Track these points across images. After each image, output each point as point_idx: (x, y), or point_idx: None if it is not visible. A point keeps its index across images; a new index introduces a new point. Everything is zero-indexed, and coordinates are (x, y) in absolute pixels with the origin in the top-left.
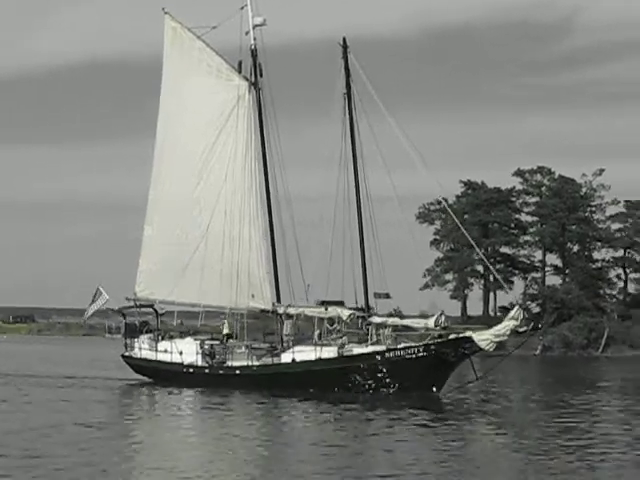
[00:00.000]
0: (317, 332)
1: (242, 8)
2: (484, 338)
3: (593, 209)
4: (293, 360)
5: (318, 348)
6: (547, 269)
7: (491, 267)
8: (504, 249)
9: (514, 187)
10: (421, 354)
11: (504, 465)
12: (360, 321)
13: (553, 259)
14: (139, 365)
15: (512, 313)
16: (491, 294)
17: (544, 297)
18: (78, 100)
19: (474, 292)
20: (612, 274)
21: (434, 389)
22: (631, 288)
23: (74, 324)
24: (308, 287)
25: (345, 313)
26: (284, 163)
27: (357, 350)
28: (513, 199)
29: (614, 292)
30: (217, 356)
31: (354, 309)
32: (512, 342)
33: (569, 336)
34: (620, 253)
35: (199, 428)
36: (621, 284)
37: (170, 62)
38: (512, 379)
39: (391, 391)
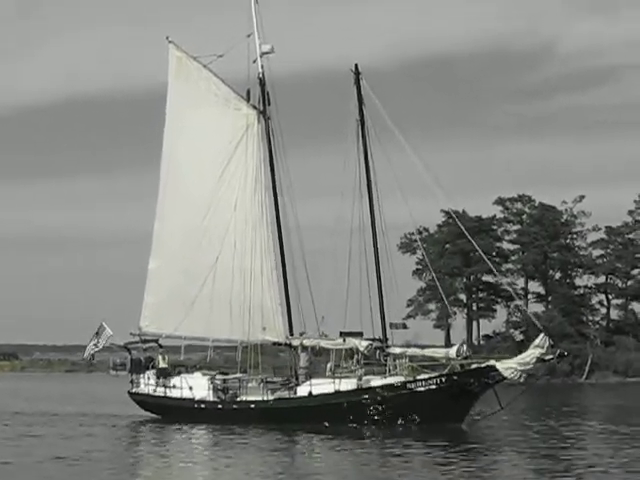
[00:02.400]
0: (329, 364)
1: (249, 36)
2: (508, 367)
3: (574, 236)
4: (310, 393)
5: (336, 380)
6: (530, 297)
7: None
8: (486, 277)
9: (495, 215)
10: (443, 385)
11: None
12: (377, 352)
13: (535, 286)
14: (146, 402)
15: (537, 341)
16: (474, 323)
17: (527, 325)
18: (72, 135)
19: (457, 321)
20: (594, 300)
21: (457, 421)
22: (614, 314)
23: (56, 361)
24: (322, 319)
25: (363, 344)
26: (294, 192)
27: (376, 382)
28: (494, 227)
29: (597, 318)
30: (230, 391)
31: (371, 340)
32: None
33: (552, 363)
34: (602, 279)
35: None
36: (604, 310)
37: (175, 92)
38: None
39: (413, 424)
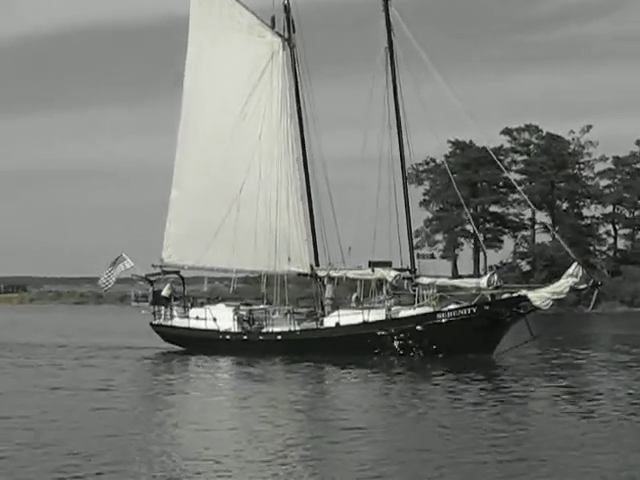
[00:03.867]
0: (355, 295)
1: None
2: (540, 296)
3: (581, 166)
4: (337, 324)
5: (365, 311)
6: (537, 227)
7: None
8: (493, 208)
9: (502, 146)
10: (474, 315)
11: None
12: (406, 282)
13: (542, 217)
14: (170, 333)
15: (571, 270)
16: (481, 253)
17: (534, 255)
18: (95, 65)
19: (464, 252)
20: (602, 230)
21: (488, 351)
22: (621, 244)
23: (65, 293)
24: (349, 250)
25: (391, 274)
26: (320, 122)
27: (406, 312)
28: (501, 158)
29: (604, 248)
30: (256, 322)
31: (399, 270)
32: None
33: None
34: (609, 209)
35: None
36: (611, 240)
37: (197, 20)
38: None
39: (442, 354)
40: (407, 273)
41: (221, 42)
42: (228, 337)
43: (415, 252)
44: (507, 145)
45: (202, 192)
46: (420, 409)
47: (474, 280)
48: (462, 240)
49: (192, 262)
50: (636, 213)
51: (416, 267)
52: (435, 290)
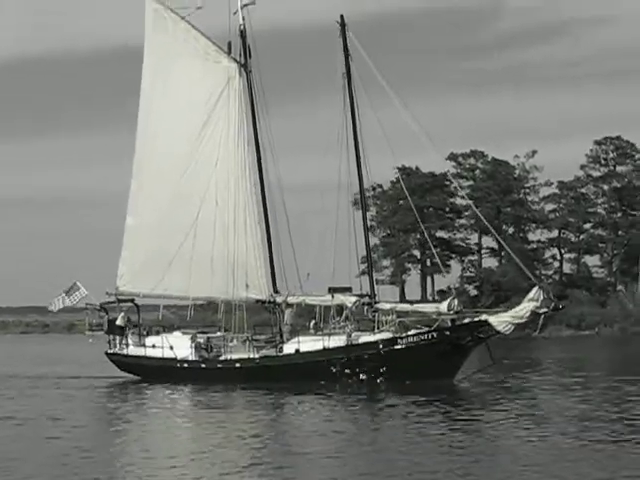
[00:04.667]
0: (313, 321)
1: None
2: (502, 321)
3: (527, 191)
4: (297, 351)
5: (325, 337)
6: (483, 252)
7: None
8: (440, 233)
9: (448, 171)
10: (435, 340)
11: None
12: (366, 308)
13: (489, 241)
14: (126, 362)
15: (531, 294)
16: (428, 278)
17: (481, 280)
18: (47, 94)
19: (411, 277)
20: (547, 254)
21: (449, 376)
22: (566, 268)
23: (11, 322)
24: (308, 276)
25: (351, 300)
26: (277, 148)
27: (367, 338)
28: (447, 183)
29: (550, 272)
30: (214, 349)
31: (359, 295)
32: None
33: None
34: (555, 234)
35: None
36: (556, 264)
37: (152, 46)
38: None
39: (403, 380)
40: (367, 299)
41: (176, 68)
42: (186, 365)
43: (372, 278)
44: (453, 171)
45: (158, 220)
46: (373, 434)
47: (434, 305)
48: (409, 265)
49: (147, 290)
50: (581, 237)
51: (375, 293)
52: (395, 316)
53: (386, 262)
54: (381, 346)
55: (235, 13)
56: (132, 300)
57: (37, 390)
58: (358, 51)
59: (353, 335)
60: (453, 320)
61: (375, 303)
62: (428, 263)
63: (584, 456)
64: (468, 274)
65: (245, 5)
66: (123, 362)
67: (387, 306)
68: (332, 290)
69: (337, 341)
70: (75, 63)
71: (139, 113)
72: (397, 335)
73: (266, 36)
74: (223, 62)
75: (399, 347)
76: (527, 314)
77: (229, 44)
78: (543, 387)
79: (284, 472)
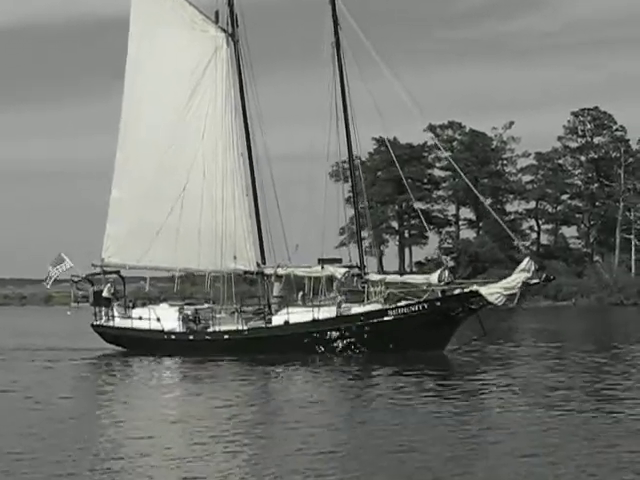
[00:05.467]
0: (301, 293)
1: None
2: (493, 292)
3: (504, 162)
4: (286, 322)
5: (314, 309)
6: (461, 223)
7: None
8: (418, 204)
9: (426, 142)
10: (426, 311)
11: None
12: (355, 279)
13: (467, 213)
14: (112, 334)
15: (523, 265)
16: (406, 250)
17: (459, 251)
18: (34, 63)
19: (390, 248)
20: (525, 226)
21: (439, 348)
22: (544, 239)
23: None
24: (297, 247)
25: (340, 271)
26: (265, 119)
27: (357, 309)
28: (425, 154)
29: (527, 243)
30: (202, 321)
31: (348, 266)
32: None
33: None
34: (532, 205)
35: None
36: (534, 235)
37: (138, 14)
38: None
39: (394, 351)
40: (356, 270)
41: (163, 37)
42: (173, 337)
43: (361, 249)
44: (431, 142)
45: (143, 191)
46: (359, 406)
47: (424, 276)
48: (387, 237)
49: (133, 262)
50: (558, 208)
51: (365, 264)
52: (384, 287)
53: (364, 233)
54: (371, 317)
55: None
56: (117, 272)
57: (24, 362)
58: (347, 20)
59: (343, 306)
60: (443, 291)
61: (365, 274)
62: (406, 234)
63: (555, 426)
64: (446, 245)
65: None
66: (109, 334)
67: (377, 277)
68: (322, 261)
69: (327, 312)
70: (67, 32)
71: (125, 82)
72: (387, 306)
73: (254, 5)
74: (210, 31)
75: (389, 318)
76: (518, 285)
77: (216, 13)
78: (523, 357)
79: (262, 442)
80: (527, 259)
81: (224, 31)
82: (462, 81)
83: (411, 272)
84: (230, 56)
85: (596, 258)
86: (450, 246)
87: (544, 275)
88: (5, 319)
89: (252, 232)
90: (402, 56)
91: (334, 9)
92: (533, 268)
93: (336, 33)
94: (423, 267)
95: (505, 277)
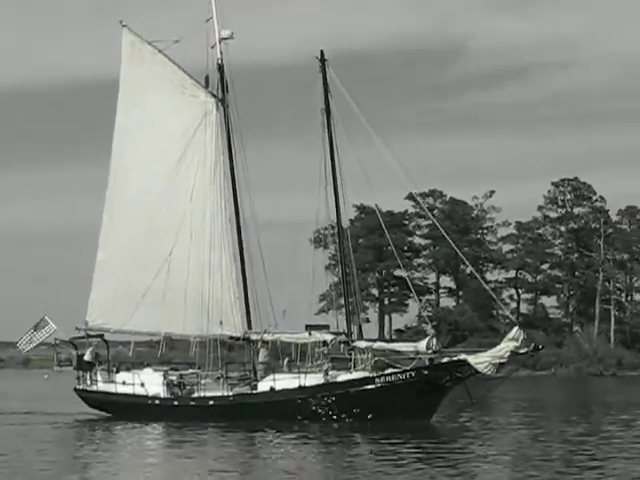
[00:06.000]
0: (286, 359)
1: (207, 21)
2: (481, 361)
3: (485, 231)
4: (272, 389)
5: (301, 376)
6: (441, 291)
7: None
8: (398, 272)
9: (407, 210)
10: (413, 379)
11: None
12: (342, 346)
13: (447, 281)
14: (95, 398)
15: (512, 334)
16: (386, 317)
17: (438, 319)
18: (20, 126)
19: (369, 316)
20: (505, 295)
21: (426, 417)
22: (523, 308)
23: None
24: (284, 313)
25: (327, 338)
26: (253, 184)
27: (344, 377)
28: (406, 222)
29: (507, 313)
30: (187, 387)
31: (336, 333)
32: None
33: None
34: (512, 274)
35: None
36: (514, 304)
37: (127, 79)
38: None
39: (381, 419)
40: (343, 337)
41: (152, 101)
42: (157, 402)
43: (349, 316)
44: (412, 210)
45: (130, 254)
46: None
47: (412, 344)
48: (367, 304)
49: (118, 325)
50: (538, 278)
51: (352, 331)
52: (371, 354)
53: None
54: (358, 384)
55: (213, 47)
56: (101, 336)
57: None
58: (338, 88)
59: (330, 373)
60: (431, 359)
61: (352, 341)
62: (386, 302)
63: None
64: (426, 313)
65: (223, 39)
66: (92, 398)
67: (364, 344)
68: (309, 328)
69: (313, 379)
70: (45, 95)
71: (113, 146)
72: (374, 374)
73: (244, 70)
74: (200, 96)
75: (376, 386)
76: (507, 354)
77: (206, 78)
78: (505, 427)
79: None
80: (516, 328)
81: (214, 96)
82: (443, 150)
83: (396, 340)
84: (220, 121)
85: (575, 328)
86: (430, 314)
87: (533, 344)
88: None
89: (239, 298)
90: (384, 126)
91: (324, 76)
92: (522, 337)
93: (326, 100)
94: (402, 334)
95: (486, 346)
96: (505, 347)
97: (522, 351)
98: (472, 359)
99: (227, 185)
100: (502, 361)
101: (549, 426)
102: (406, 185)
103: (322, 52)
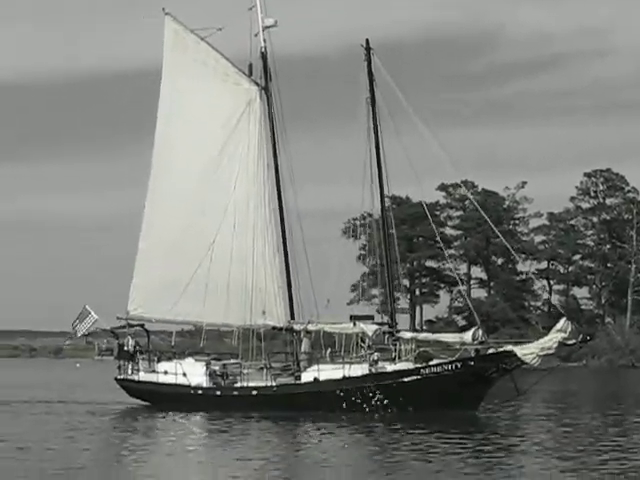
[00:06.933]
0: (329, 350)
1: (251, 9)
2: (529, 352)
3: (516, 222)
4: (316, 379)
5: (345, 366)
6: (472, 282)
7: None
8: (429, 263)
9: (438, 201)
10: (459, 370)
11: None
12: (386, 337)
13: (478, 272)
14: (136, 388)
15: (560, 325)
16: (417, 308)
17: (470, 310)
18: (62, 116)
19: (400, 306)
20: (536, 286)
21: (472, 408)
22: (555, 299)
23: None
24: (328, 302)
25: (371, 328)
26: (296, 173)
27: (391, 367)
28: (437, 213)
29: (538, 304)
30: (229, 377)
31: (379, 324)
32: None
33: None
34: (544, 265)
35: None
36: (545, 296)
37: (170, 67)
38: None
39: (426, 410)
40: (387, 327)
41: (195, 89)
42: (200, 392)
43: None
44: (443, 201)
45: (172, 244)
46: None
47: (458, 335)
48: (398, 295)
49: (159, 315)
50: (570, 269)
51: (396, 322)
52: (415, 345)
53: (375, 291)
54: (404, 375)
55: (256, 35)
56: (142, 325)
57: (50, 416)
58: (383, 76)
59: (376, 364)
60: (477, 350)
61: (396, 332)
62: (417, 292)
63: None
64: (457, 304)
65: (267, 27)
66: (133, 388)
67: (408, 335)
68: (354, 318)
69: (357, 370)
70: (90, 85)
71: (156, 134)
72: (420, 365)
73: (287, 59)
74: (243, 84)
75: (422, 377)
76: (555, 345)
77: (250, 66)
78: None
79: None
80: (564, 319)
81: (257, 84)
82: (476, 141)
83: (440, 330)
84: (263, 110)
85: (607, 320)
86: (461, 305)
87: (581, 336)
88: (38, 372)
89: (282, 288)
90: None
91: (369, 64)
92: (570, 328)
93: (371, 89)
94: (434, 325)
95: (518, 337)
96: (553, 338)
97: (570, 342)
98: (519, 350)
99: (270, 175)
100: (550, 352)
101: (583, 418)
102: (452, 174)
103: (367, 40)
